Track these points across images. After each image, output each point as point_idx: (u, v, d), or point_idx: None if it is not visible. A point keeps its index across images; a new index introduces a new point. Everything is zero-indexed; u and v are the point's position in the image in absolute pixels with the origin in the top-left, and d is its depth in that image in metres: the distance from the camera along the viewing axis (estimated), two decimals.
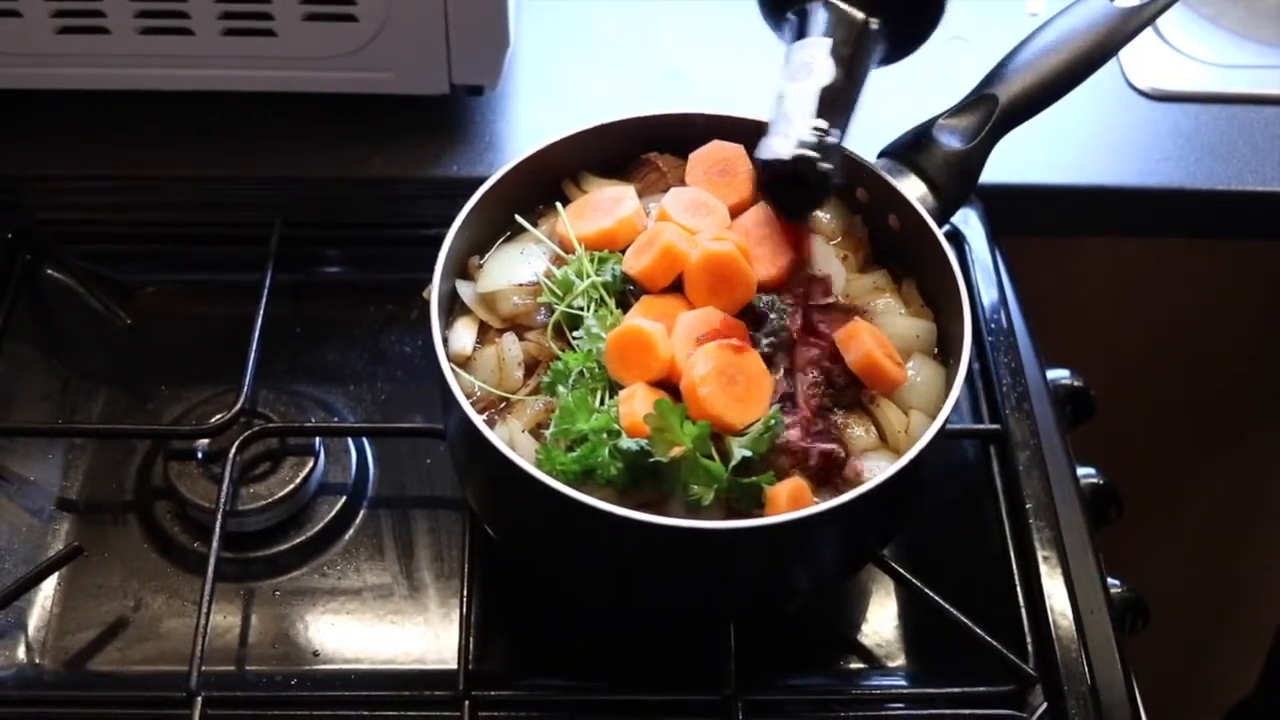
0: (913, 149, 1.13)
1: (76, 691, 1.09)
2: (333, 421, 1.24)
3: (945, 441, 1.06)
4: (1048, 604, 1.10)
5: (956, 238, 1.33)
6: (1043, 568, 1.12)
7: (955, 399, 0.99)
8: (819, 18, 1.10)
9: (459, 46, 1.33)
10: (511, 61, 1.45)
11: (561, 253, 1.09)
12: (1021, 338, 1.29)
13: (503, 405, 1.04)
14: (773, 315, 1.04)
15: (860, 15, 1.10)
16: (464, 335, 1.07)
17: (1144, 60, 1.52)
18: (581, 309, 1.04)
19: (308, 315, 1.33)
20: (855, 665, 1.13)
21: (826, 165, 1.03)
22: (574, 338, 1.03)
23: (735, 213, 1.11)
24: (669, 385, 0.99)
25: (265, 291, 1.26)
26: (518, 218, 1.12)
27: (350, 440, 1.23)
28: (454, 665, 1.07)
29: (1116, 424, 1.40)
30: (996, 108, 1.13)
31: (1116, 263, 1.57)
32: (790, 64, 1.09)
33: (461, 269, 1.10)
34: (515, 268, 1.08)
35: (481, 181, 1.09)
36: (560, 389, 1.00)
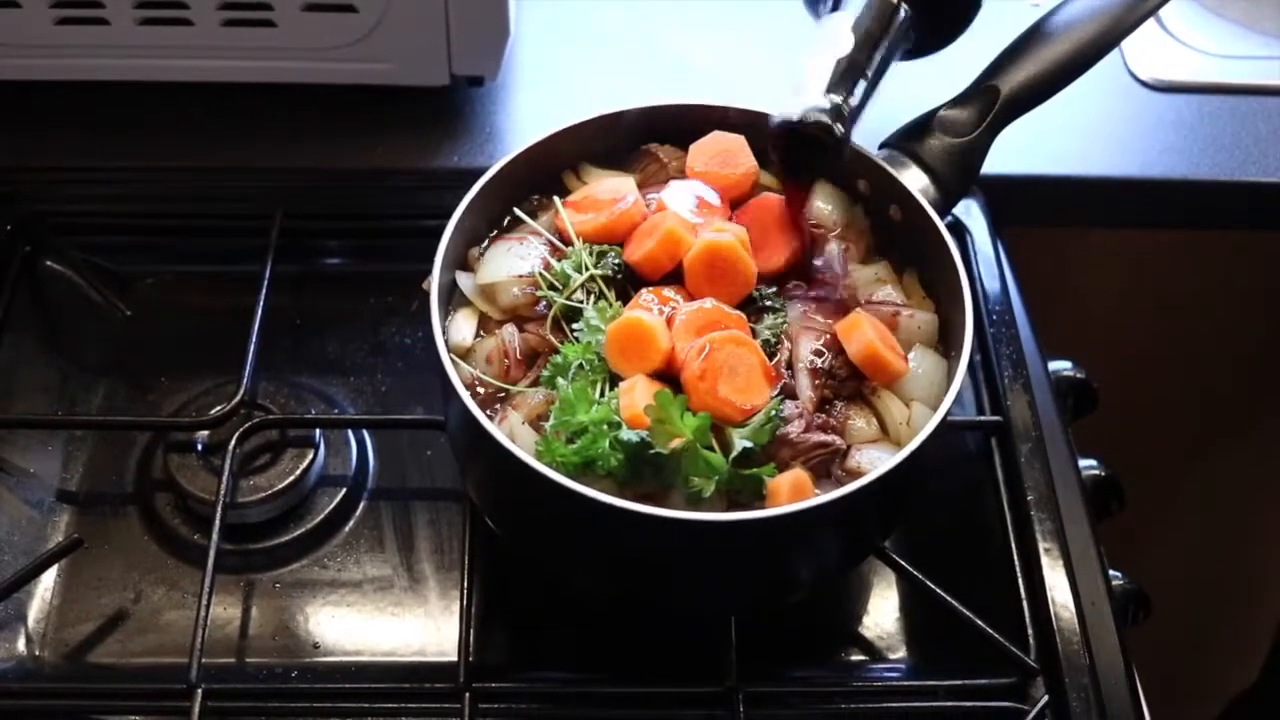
0: (914, 140, 1.13)
1: (77, 683, 1.09)
2: (333, 413, 1.24)
3: (947, 433, 1.06)
4: (1049, 596, 1.10)
5: (958, 229, 1.33)
6: (1044, 559, 1.11)
7: (956, 390, 0.99)
8: None
9: (459, 37, 1.33)
10: (512, 52, 1.45)
11: (561, 245, 1.08)
12: (1023, 329, 1.29)
13: (503, 397, 1.04)
14: (773, 306, 1.04)
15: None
16: (464, 327, 1.07)
17: (1146, 51, 1.52)
18: (581, 302, 1.03)
19: (308, 307, 1.33)
20: (856, 657, 1.13)
21: (837, 127, 1.03)
22: (573, 330, 1.03)
23: (736, 204, 1.11)
24: (669, 377, 0.99)
25: (265, 283, 1.25)
26: (517, 210, 1.11)
27: (350, 432, 1.23)
28: (454, 657, 1.07)
29: (1118, 415, 1.40)
30: (998, 98, 1.13)
31: (1119, 254, 1.57)
32: (816, 38, 1.09)
33: (462, 260, 1.10)
34: (515, 259, 1.08)
35: (482, 173, 1.09)
36: (560, 381, 1.00)
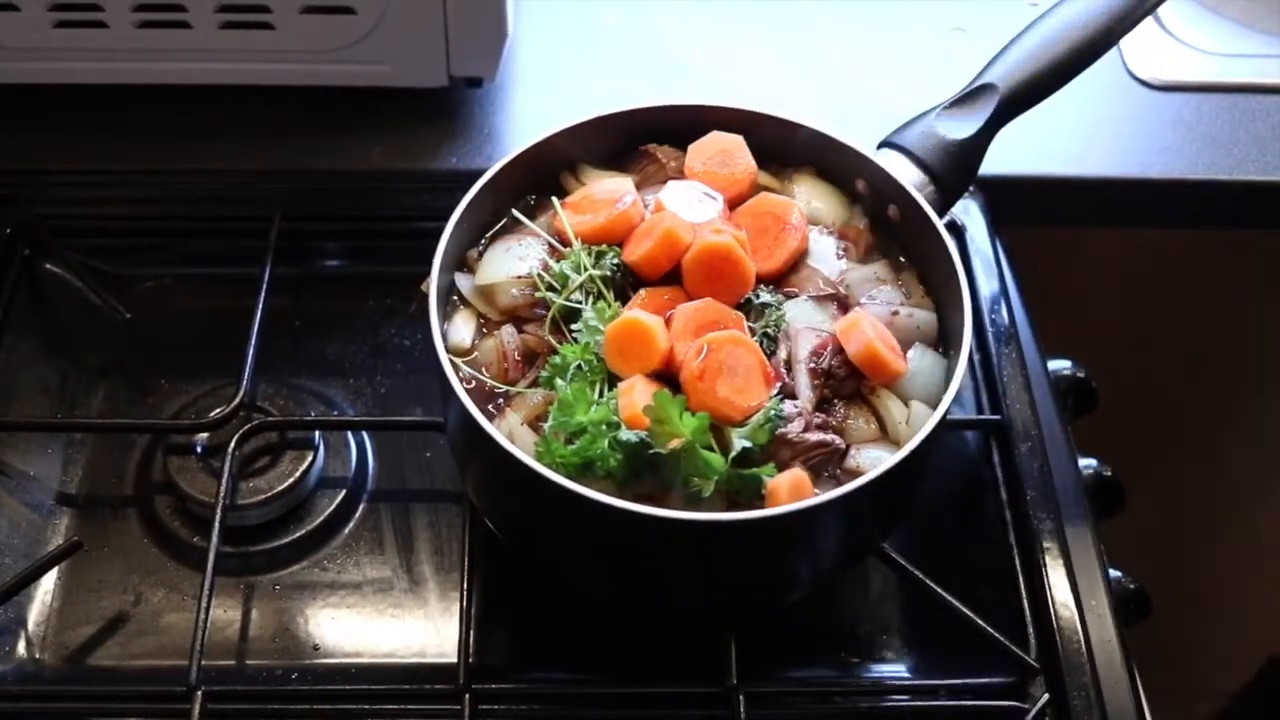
0: (913, 139, 1.13)
1: (77, 686, 1.09)
2: (332, 415, 1.24)
3: (946, 433, 1.06)
4: (1049, 595, 1.09)
5: (957, 228, 1.33)
6: (1044, 559, 1.11)
7: (956, 390, 0.99)
8: None
9: (457, 38, 1.32)
10: (510, 53, 1.45)
11: (559, 246, 1.08)
12: (1022, 328, 1.29)
13: (502, 398, 1.04)
14: (772, 306, 1.04)
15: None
16: (463, 328, 1.07)
17: (1145, 50, 1.52)
18: (579, 303, 1.03)
19: (307, 309, 1.33)
20: (856, 656, 1.13)
21: None
22: (572, 331, 1.02)
23: (734, 204, 1.11)
24: (668, 377, 0.99)
25: (264, 285, 1.25)
26: (515, 212, 1.11)
27: (350, 434, 1.23)
28: (454, 658, 1.07)
29: (1118, 415, 1.40)
30: (997, 98, 1.13)
31: (1118, 253, 1.56)
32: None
33: (460, 262, 1.10)
34: (514, 261, 1.08)
35: (480, 174, 1.09)
36: (559, 382, 1.00)
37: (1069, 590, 1.10)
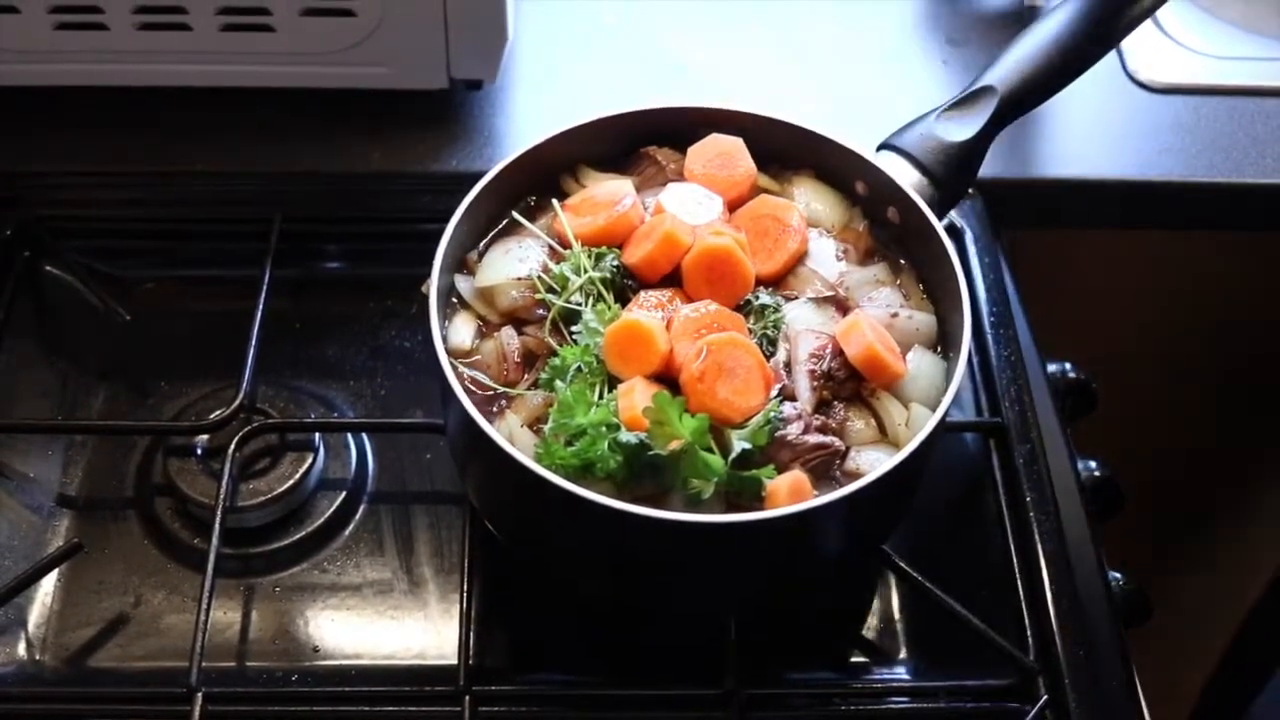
0: (912, 142, 1.13)
1: (77, 688, 1.09)
2: (332, 417, 1.24)
3: (945, 435, 1.06)
4: (1049, 596, 1.10)
5: (956, 231, 1.33)
6: (1044, 560, 1.11)
7: (955, 392, 0.99)
8: None
9: (458, 41, 1.33)
10: (510, 56, 1.45)
11: (559, 248, 1.08)
12: (1022, 330, 1.29)
13: (502, 399, 1.04)
14: (771, 308, 1.04)
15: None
16: (463, 330, 1.07)
17: (1144, 52, 1.52)
18: (579, 304, 1.03)
19: (307, 310, 1.33)
20: (856, 658, 1.13)
21: None
22: (572, 332, 1.03)
23: (734, 206, 1.11)
24: (667, 379, 0.99)
25: (264, 287, 1.26)
26: (515, 214, 1.12)
27: (350, 436, 1.23)
28: (454, 660, 1.07)
29: (1118, 417, 1.40)
30: (996, 100, 1.13)
31: (1117, 255, 1.57)
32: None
33: (460, 264, 1.10)
34: (514, 262, 1.08)
35: (480, 176, 1.09)
36: (559, 384, 1.00)
37: (1069, 591, 1.10)
